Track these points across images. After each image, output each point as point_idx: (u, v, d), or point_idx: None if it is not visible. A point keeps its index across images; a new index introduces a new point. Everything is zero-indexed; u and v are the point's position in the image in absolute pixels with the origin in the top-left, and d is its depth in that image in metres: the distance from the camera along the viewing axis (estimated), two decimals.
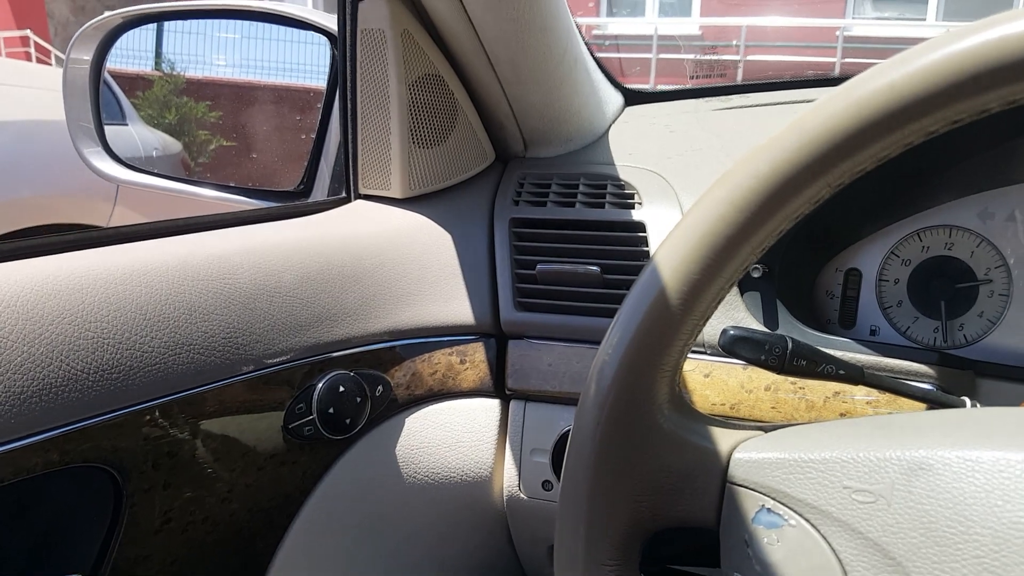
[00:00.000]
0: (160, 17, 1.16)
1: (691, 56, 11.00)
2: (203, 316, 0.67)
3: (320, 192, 1.01)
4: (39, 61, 13.82)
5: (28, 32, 13.92)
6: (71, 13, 15.51)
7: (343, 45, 0.83)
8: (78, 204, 2.54)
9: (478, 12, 0.77)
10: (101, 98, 1.10)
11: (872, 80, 0.43)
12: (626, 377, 0.51)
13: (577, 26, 0.92)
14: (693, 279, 0.49)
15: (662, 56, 11.37)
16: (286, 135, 1.28)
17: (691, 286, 0.49)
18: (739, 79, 10.80)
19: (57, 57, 13.77)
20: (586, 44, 0.96)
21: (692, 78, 10.73)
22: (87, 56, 1.08)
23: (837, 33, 10.51)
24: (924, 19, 10.80)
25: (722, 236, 0.48)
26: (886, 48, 10.32)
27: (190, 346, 0.65)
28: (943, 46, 0.41)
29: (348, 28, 0.81)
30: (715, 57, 10.92)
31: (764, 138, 0.47)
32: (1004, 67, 0.38)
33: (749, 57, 10.87)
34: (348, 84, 0.84)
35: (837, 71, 10.38)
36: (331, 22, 0.99)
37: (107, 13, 1.08)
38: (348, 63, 0.83)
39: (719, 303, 0.50)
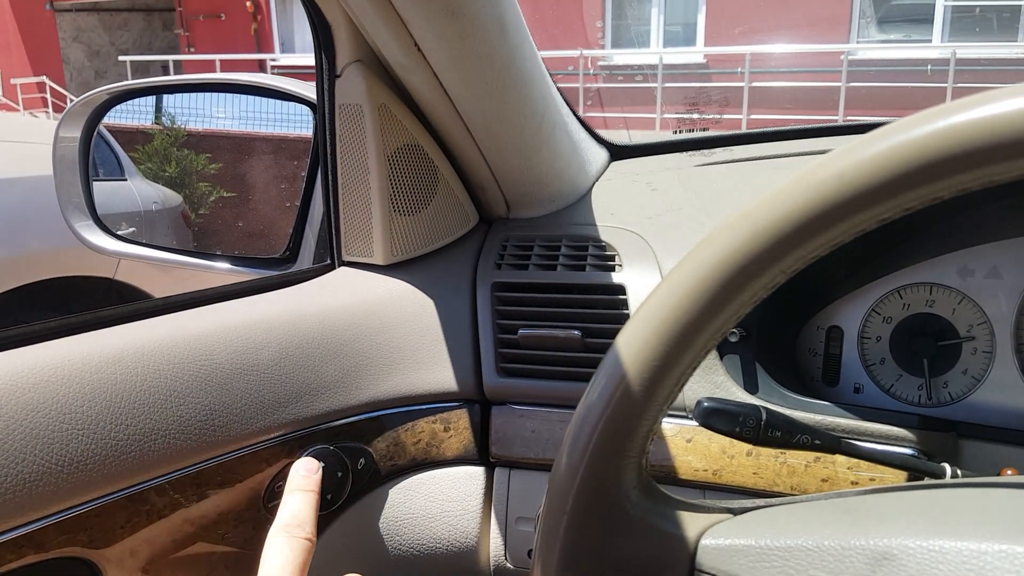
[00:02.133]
0: (147, 92, 1.18)
1: (673, 115, 11.10)
2: (179, 399, 0.67)
3: (306, 258, 1.02)
4: (55, 106, 14.09)
5: (44, 78, 14.21)
6: (86, 58, 15.84)
7: (322, 119, 0.84)
8: (85, 257, 2.57)
9: (452, 85, 0.78)
10: (91, 172, 1.12)
11: (821, 170, 0.43)
12: (592, 463, 0.51)
13: (559, 89, 0.94)
14: (653, 366, 0.49)
15: (667, 85, 11.44)
16: (286, 184, 1.29)
17: (652, 373, 0.49)
18: (744, 106, 10.85)
19: (72, 101, 14.02)
20: (568, 104, 0.97)
21: (675, 132, 10.80)
22: (76, 133, 1.10)
23: (842, 57, 10.54)
24: (930, 40, 10.82)
25: (680, 323, 0.48)
26: (891, 71, 10.35)
27: (166, 431, 0.65)
28: (892, 135, 0.41)
29: (327, 103, 0.82)
30: (698, 116, 10.99)
31: (723, 218, 0.48)
32: (953, 157, 0.39)
33: (754, 84, 10.92)
34: (329, 155, 0.85)
35: (842, 96, 10.41)
36: (311, 91, 1.01)
37: (93, 91, 1.11)
38: (328, 136, 0.84)
39: (682, 386, 0.50)
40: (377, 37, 0.75)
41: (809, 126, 1.09)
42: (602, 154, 1.06)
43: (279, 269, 1.04)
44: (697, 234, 0.86)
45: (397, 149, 0.84)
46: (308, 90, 1.04)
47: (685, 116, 11.12)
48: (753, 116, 10.97)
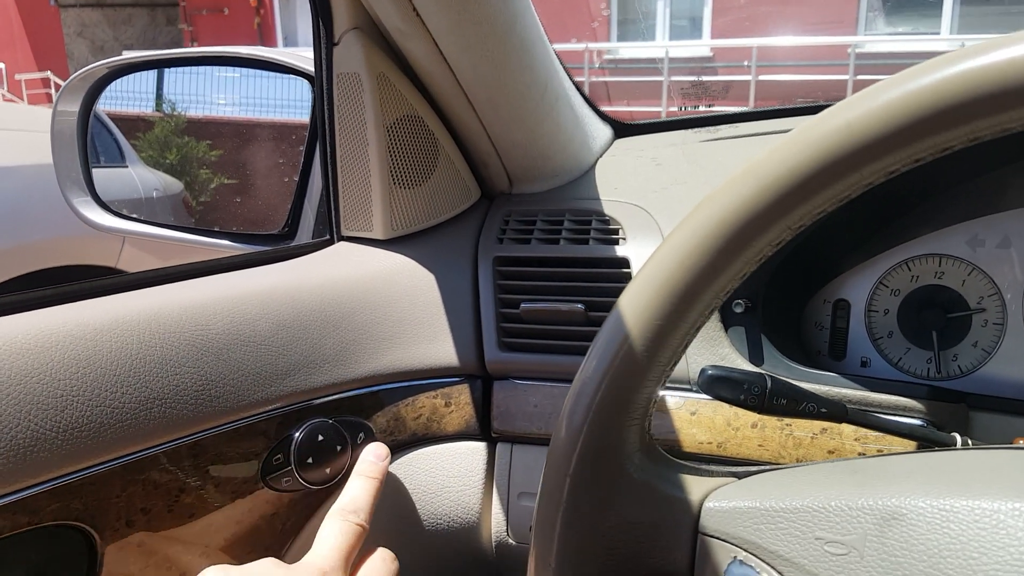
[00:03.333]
0: (146, 66, 1.17)
1: (675, 77, 11.06)
2: (175, 368, 0.66)
3: (305, 234, 1.01)
4: None
5: (49, 73, 14.23)
6: (90, 53, 15.84)
7: (320, 89, 0.83)
8: (88, 245, 2.57)
9: (453, 53, 0.77)
10: (89, 147, 1.11)
11: (828, 121, 0.42)
12: (594, 425, 0.50)
13: (562, 62, 0.92)
14: (656, 326, 0.48)
15: (674, 79, 11.40)
16: (288, 170, 1.29)
17: (654, 333, 0.48)
18: (751, 100, 10.82)
19: None
20: (571, 79, 0.96)
21: (681, 109, 10.78)
22: (74, 107, 1.09)
23: (849, 51, 10.49)
24: (938, 33, 10.75)
25: (683, 282, 0.46)
26: (899, 64, 10.25)
27: (162, 400, 0.64)
28: (901, 83, 0.40)
29: (324, 72, 0.81)
30: (696, 78, 10.94)
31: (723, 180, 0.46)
32: (965, 104, 0.37)
33: (761, 77, 10.88)
34: (327, 127, 0.84)
35: (850, 90, 10.36)
36: (310, 64, 1.00)
37: (91, 65, 1.10)
38: (326, 107, 0.83)
39: (686, 348, 0.49)
40: (375, 2, 0.74)
41: (815, 103, 1.07)
42: (606, 131, 1.05)
43: (277, 244, 1.03)
44: None
45: (396, 120, 0.82)
46: (306, 63, 1.03)
47: (691, 110, 11.09)
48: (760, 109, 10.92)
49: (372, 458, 0.73)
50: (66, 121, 1.10)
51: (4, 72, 14.31)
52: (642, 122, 1.11)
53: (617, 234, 0.84)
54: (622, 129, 1.08)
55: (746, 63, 11.02)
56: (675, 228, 0.48)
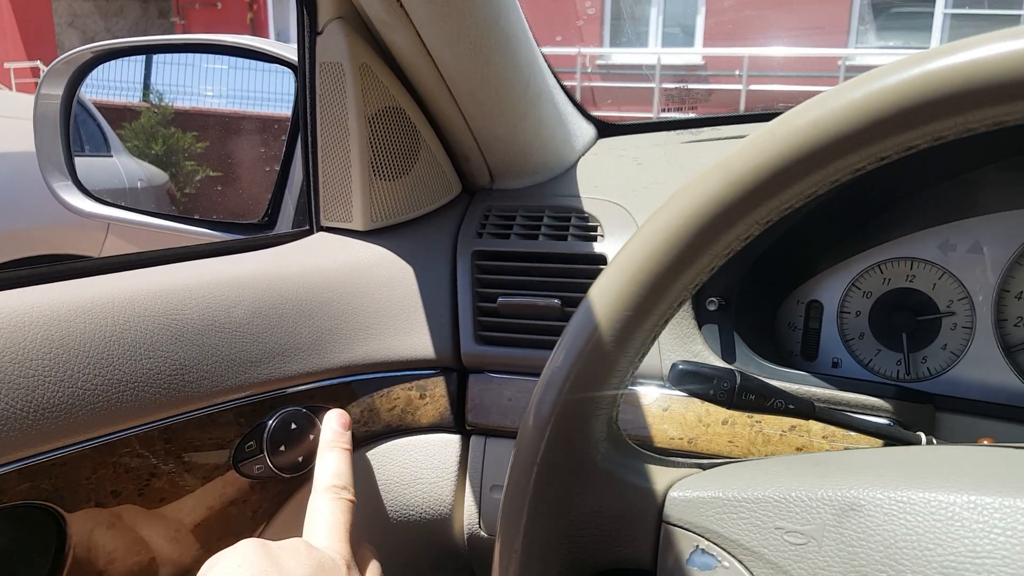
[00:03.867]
0: (132, 51, 1.17)
1: (666, 85, 11.13)
2: (149, 352, 0.66)
3: (285, 224, 1.01)
4: None
5: (38, 63, 14.13)
6: (80, 43, 15.74)
7: (302, 78, 0.83)
8: (71, 234, 2.56)
9: (436, 46, 0.77)
10: (72, 134, 1.10)
11: (796, 118, 0.42)
12: (562, 416, 0.50)
13: (548, 61, 0.93)
14: (625, 316, 0.48)
15: (665, 86, 11.45)
16: (270, 161, 1.29)
17: (623, 323, 0.48)
18: (741, 108, 10.87)
19: None
20: (556, 77, 0.96)
21: (664, 111, 10.84)
22: (58, 91, 1.09)
23: (839, 63, 10.57)
24: (927, 48, 10.85)
25: (652, 274, 0.47)
26: None
27: (135, 383, 0.64)
28: (866, 83, 0.40)
29: (307, 61, 0.81)
30: (683, 85, 11.00)
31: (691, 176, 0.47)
32: (927, 104, 0.38)
33: (751, 87, 10.94)
34: (308, 116, 0.84)
35: None
36: (293, 53, 1.00)
37: (76, 48, 1.09)
38: (308, 96, 0.83)
39: (654, 340, 0.50)
40: None
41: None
42: (590, 130, 1.05)
43: (256, 233, 1.03)
44: None
45: (378, 111, 0.83)
46: (289, 52, 1.03)
47: (672, 87, 11.14)
48: (743, 114, 10.99)
49: (337, 427, 0.73)
50: (49, 105, 1.09)
51: None
52: (626, 123, 1.12)
53: (596, 231, 0.85)
54: (605, 129, 1.08)
55: (737, 72, 11.08)
56: (646, 221, 0.48)
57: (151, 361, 0.66)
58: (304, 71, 0.82)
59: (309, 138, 0.84)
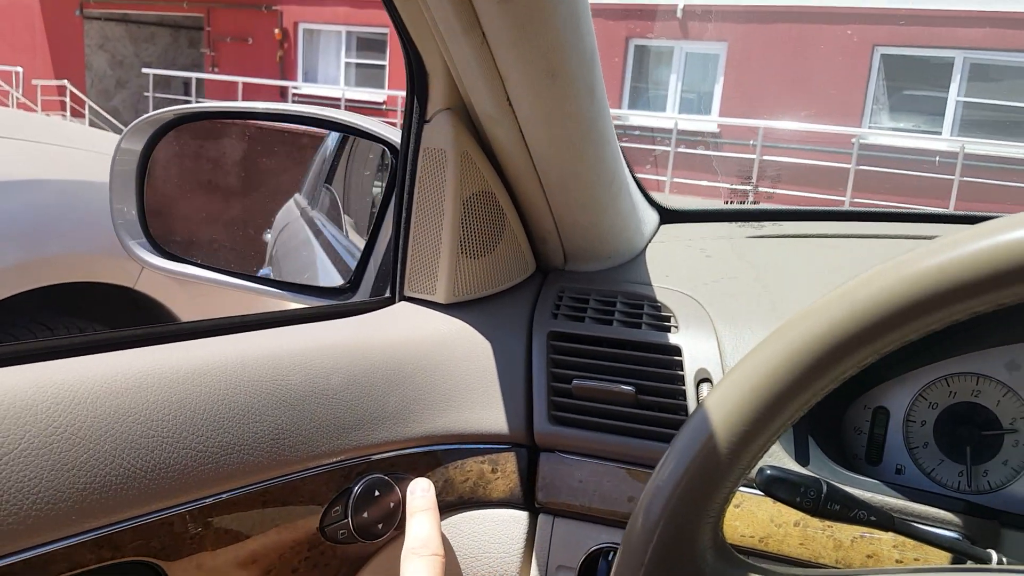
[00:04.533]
0: (215, 115, 1.20)
1: (722, 184, 11.40)
2: (255, 416, 0.69)
3: (365, 290, 1.05)
4: (73, 111, 14.22)
5: (66, 82, 14.36)
6: (109, 66, 16.03)
7: (404, 159, 0.87)
8: (104, 264, 2.59)
9: (535, 140, 0.81)
10: (146, 190, 1.13)
11: (923, 260, 0.46)
12: (671, 520, 0.53)
13: (624, 154, 0.97)
14: (742, 430, 0.51)
15: (680, 151, 11.62)
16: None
17: (740, 436, 0.51)
18: (754, 178, 11.01)
19: (91, 108, 14.18)
20: (630, 167, 1.01)
21: (726, 203, 11.04)
22: (137, 147, 1.13)
23: (853, 140, 10.74)
24: (940, 132, 11.04)
25: (772, 392, 0.50)
26: (900, 158, 10.53)
27: (241, 446, 0.67)
28: (992, 234, 0.44)
29: (412, 145, 0.86)
30: (749, 188, 11.22)
31: (805, 298, 0.51)
32: None
33: (765, 157, 11.10)
34: (405, 196, 0.88)
35: (851, 178, 10.57)
36: (390, 130, 1.05)
37: (162, 110, 1.13)
38: (408, 177, 0.87)
39: (764, 453, 0.53)
40: (472, 89, 0.79)
41: (856, 209, 1.13)
42: (654, 216, 1.09)
43: (338, 299, 1.06)
44: (753, 304, 0.88)
45: (472, 195, 0.87)
46: (384, 129, 1.07)
47: (739, 188, 11.36)
48: (762, 189, 11.13)
49: (420, 493, 0.77)
50: (127, 162, 1.12)
51: (21, 76, 14.43)
52: (688, 209, 1.16)
53: (669, 321, 0.88)
54: (668, 216, 1.13)
55: (752, 142, 11.25)
56: (765, 339, 0.51)
57: (256, 425, 0.69)
58: (407, 153, 0.86)
59: (404, 214, 0.88)
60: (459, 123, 0.83)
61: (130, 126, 1.18)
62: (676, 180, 11.41)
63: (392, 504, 0.77)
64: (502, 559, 0.84)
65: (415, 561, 0.69)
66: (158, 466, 0.62)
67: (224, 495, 0.66)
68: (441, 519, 0.82)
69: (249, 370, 0.70)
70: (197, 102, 14.78)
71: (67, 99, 14.27)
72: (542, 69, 0.72)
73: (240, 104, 1.17)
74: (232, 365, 0.70)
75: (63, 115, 13.72)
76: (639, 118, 12.61)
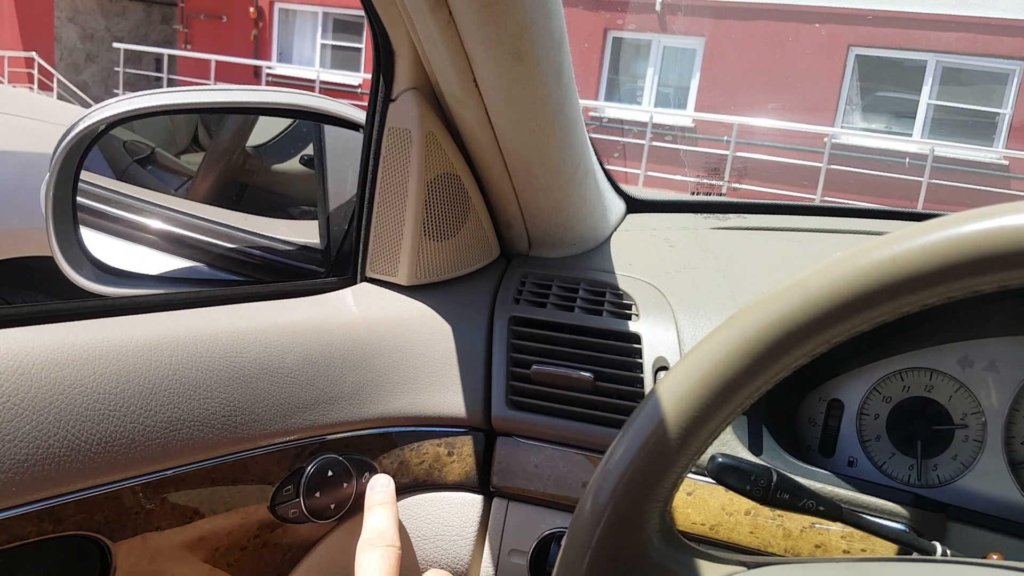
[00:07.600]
0: (156, 114, 1.12)
1: (693, 179, 11.48)
2: (206, 393, 0.68)
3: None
4: (41, 84, 13.92)
5: (34, 54, 14.05)
6: (79, 40, 15.71)
7: (368, 138, 0.86)
8: None
9: (501, 122, 0.81)
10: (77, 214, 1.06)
11: (876, 251, 0.46)
12: (619, 504, 0.53)
13: (592, 141, 0.97)
14: (692, 415, 0.51)
15: (654, 144, 11.66)
16: None
17: (690, 422, 0.51)
18: (726, 174, 11.09)
19: (60, 81, 13.90)
20: (596, 154, 1.01)
21: (694, 194, 11.14)
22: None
23: (825, 139, 10.84)
24: (910, 134, 11.19)
25: (723, 379, 0.50)
26: (871, 159, 10.67)
27: (190, 422, 0.66)
28: (944, 228, 0.44)
29: (376, 124, 0.85)
30: (720, 182, 11.29)
31: (765, 289, 0.51)
32: (1000, 256, 0.42)
33: (738, 153, 11.18)
34: (369, 175, 0.87)
35: (822, 176, 10.69)
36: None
37: (85, 114, 1.03)
38: (372, 156, 0.86)
39: (714, 439, 0.53)
40: (438, 69, 0.78)
41: (819, 204, 1.14)
42: (620, 204, 1.09)
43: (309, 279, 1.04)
44: (714, 294, 0.89)
45: (436, 176, 0.86)
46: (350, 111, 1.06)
47: (704, 181, 11.44)
48: (734, 185, 11.23)
49: (379, 488, 0.77)
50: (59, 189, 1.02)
51: None
52: (654, 200, 1.16)
53: (630, 309, 0.88)
54: (634, 205, 1.13)
55: (725, 138, 11.32)
56: (718, 327, 0.52)
57: (207, 402, 0.68)
58: (371, 132, 0.85)
59: (367, 194, 0.87)
60: (425, 103, 0.82)
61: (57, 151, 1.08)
62: (650, 174, 11.46)
63: (344, 485, 0.76)
64: (455, 542, 0.84)
65: (371, 552, 0.70)
66: (104, 439, 0.61)
67: (172, 471, 0.65)
68: (396, 500, 0.82)
69: (202, 346, 0.69)
70: (168, 79, 14.55)
71: (35, 71, 13.97)
72: (508, 50, 0.72)
73: (176, 97, 1.04)
74: (185, 340, 0.69)
75: (31, 87, 13.43)
76: (615, 110, 12.63)
